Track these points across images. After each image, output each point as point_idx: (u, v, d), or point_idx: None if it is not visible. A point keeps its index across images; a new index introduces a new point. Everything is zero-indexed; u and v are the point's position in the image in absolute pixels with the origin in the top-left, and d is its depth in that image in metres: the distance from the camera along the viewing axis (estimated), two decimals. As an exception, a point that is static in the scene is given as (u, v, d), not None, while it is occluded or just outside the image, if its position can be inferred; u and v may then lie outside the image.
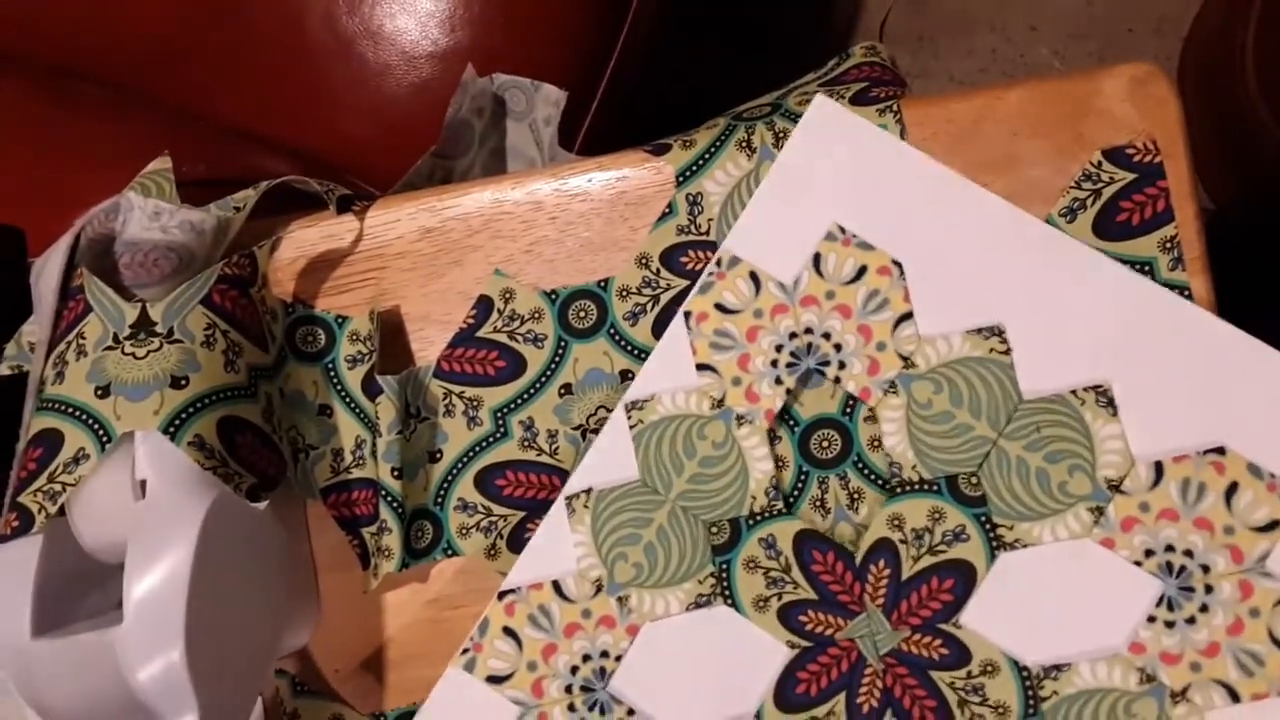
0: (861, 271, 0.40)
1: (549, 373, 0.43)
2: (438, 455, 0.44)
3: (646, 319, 0.43)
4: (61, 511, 0.37)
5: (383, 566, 0.42)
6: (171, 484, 0.36)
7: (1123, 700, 0.38)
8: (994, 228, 0.40)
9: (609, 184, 0.43)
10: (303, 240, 0.45)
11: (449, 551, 0.44)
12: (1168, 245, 0.39)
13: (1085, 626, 0.38)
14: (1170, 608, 0.38)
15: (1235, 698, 0.38)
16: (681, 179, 0.42)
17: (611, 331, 0.43)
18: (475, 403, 0.44)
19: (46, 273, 0.42)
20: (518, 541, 0.43)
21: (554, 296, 0.43)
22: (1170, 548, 0.38)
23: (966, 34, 1.05)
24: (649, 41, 0.70)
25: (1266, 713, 0.37)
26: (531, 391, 0.43)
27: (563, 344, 0.43)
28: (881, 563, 0.40)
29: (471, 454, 0.44)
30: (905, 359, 0.40)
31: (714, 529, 0.41)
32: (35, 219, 0.48)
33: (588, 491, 0.42)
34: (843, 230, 0.40)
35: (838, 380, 0.40)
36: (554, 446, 0.43)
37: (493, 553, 0.43)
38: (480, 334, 0.44)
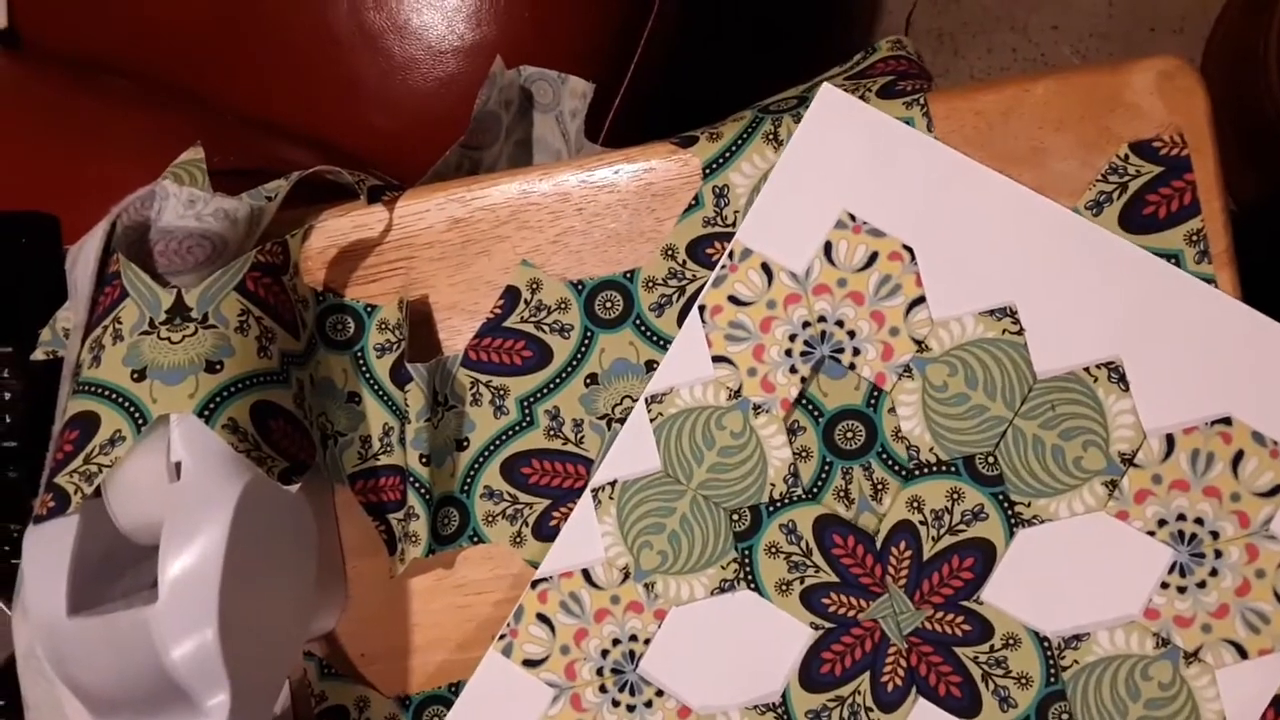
0: (873, 258, 0.41)
1: (575, 363, 0.44)
2: (465, 443, 0.44)
3: (672, 310, 0.43)
4: (97, 493, 0.38)
5: (409, 552, 0.43)
6: (206, 466, 0.37)
7: (1140, 664, 0.39)
8: (1002, 209, 0.40)
9: (636, 176, 0.44)
10: (333, 230, 0.45)
11: (475, 539, 0.44)
12: (1194, 238, 0.39)
13: (1102, 596, 0.39)
14: (1182, 574, 0.39)
15: (1244, 654, 0.39)
16: (708, 171, 0.43)
17: (637, 322, 0.43)
18: (502, 392, 0.44)
19: (82, 259, 0.43)
20: (543, 529, 0.44)
21: (580, 287, 0.44)
22: (1181, 516, 0.39)
23: (987, 33, 1.05)
24: (673, 36, 0.70)
25: (1272, 666, 0.38)
26: (558, 381, 0.44)
27: (589, 334, 0.44)
28: (902, 544, 0.41)
29: (498, 442, 0.44)
30: (919, 343, 0.40)
31: (735, 516, 0.42)
32: (67, 209, 0.48)
33: (613, 484, 0.43)
34: (853, 218, 0.41)
35: (852, 366, 0.41)
36: (579, 436, 0.44)
37: (518, 540, 0.44)
38: (507, 324, 0.44)
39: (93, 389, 0.38)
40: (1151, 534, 0.39)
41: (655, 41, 0.68)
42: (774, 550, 0.42)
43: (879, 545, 0.41)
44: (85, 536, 0.37)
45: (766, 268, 0.42)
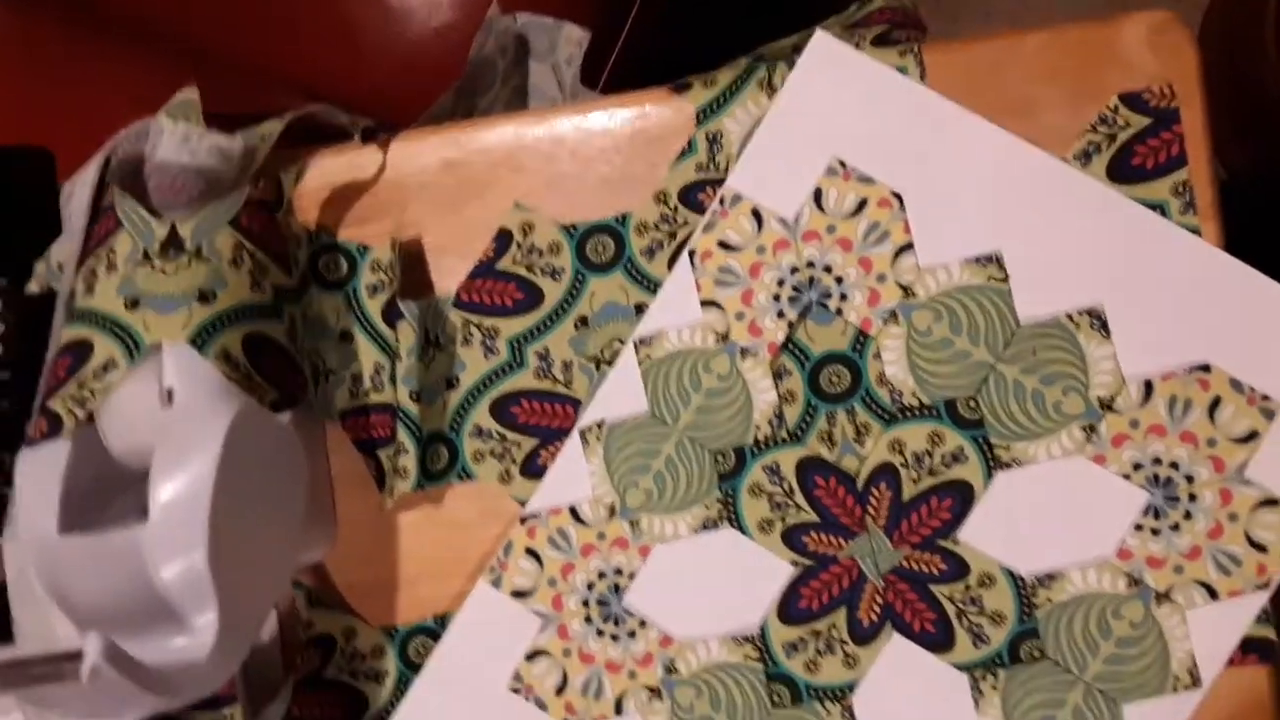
0: (862, 205, 0.41)
1: (565, 305, 0.44)
2: (455, 383, 0.45)
3: (663, 255, 0.44)
4: (90, 418, 0.38)
5: (398, 486, 0.43)
6: (198, 393, 0.37)
7: (1111, 604, 0.40)
8: (992, 157, 0.41)
9: (630, 121, 0.44)
10: (327, 170, 0.46)
11: (463, 476, 0.45)
12: (1180, 190, 0.40)
13: (1077, 537, 0.40)
14: (1156, 516, 0.40)
15: (1214, 596, 0.39)
16: (702, 117, 0.43)
17: (628, 266, 0.44)
18: (493, 333, 0.45)
19: (78, 193, 0.43)
20: (531, 467, 0.44)
21: (572, 231, 0.44)
22: (1157, 461, 0.40)
23: (986, -1, 1.05)
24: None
25: (1242, 608, 0.39)
26: (548, 323, 0.44)
27: (580, 278, 0.44)
28: (883, 485, 0.41)
29: (488, 382, 0.45)
30: (905, 289, 0.41)
31: (720, 457, 0.43)
32: (58, 150, 0.48)
33: (600, 425, 0.43)
34: (843, 164, 0.41)
35: (839, 312, 0.41)
36: (568, 377, 0.44)
37: (506, 478, 0.44)
38: (499, 266, 0.45)
39: (86, 317, 0.39)
40: (1127, 477, 0.40)
41: (653, -5, 0.68)
42: (757, 490, 0.42)
43: (860, 486, 0.42)
44: (77, 460, 0.37)
45: (757, 213, 0.42)
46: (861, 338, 0.42)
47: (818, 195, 0.42)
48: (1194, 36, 0.40)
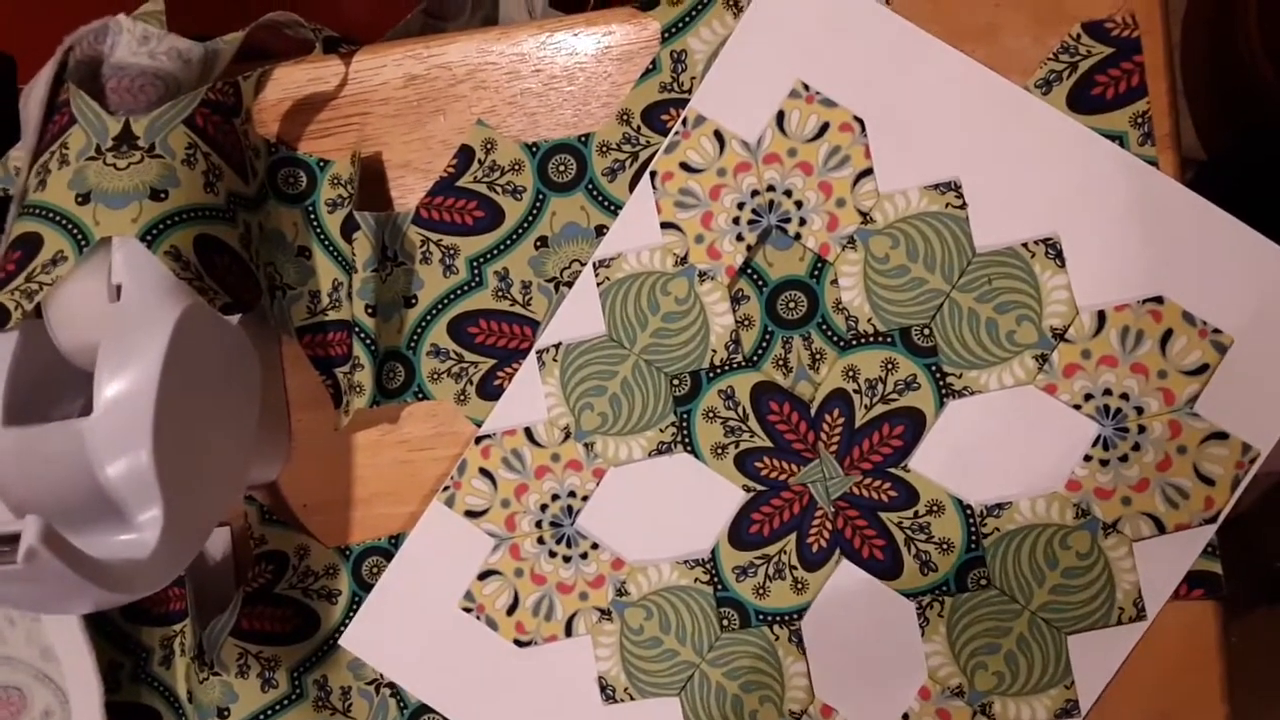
0: (824, 129, 0.41)
1: (526, 225, 0.44)
2: (413, 300, 0.45)
3: (625, 175, 0.43)
4: (38, 312, 0.38)
5: (354, 402, 0.43)
6: (146, 289, 0.37)
7: (1059, 534, 0.40)
8: (953, 84, 0.40)
9: (595, 38, 0.43)
10: (288, 82, 0.45)
11: (420, 395, 0.45)
12: (1139, 120, 0.40)
13: (1026, 467, 0.40)
14: (1105, 447, 0.40)
15: (1161, 529, 0.39)
16: (667, 35, 0.43)
17: (590, 187, 0.44)
18: (452, 251, 0.44)
19: (34, 92, 0.42)
20: (487, 388, 0.44)
21: (535, 149, 0.44)
22: (1108, 392, 0.40)
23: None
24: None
25: (1189, 541, 0.39)
26: (508, 243, 0.44)
27: (541, 197, 0.44)
28: (836, 412, 0.41)
29: (446, 301, 0.44)
30: (864, 215, 0.41)
31: (676, 381, 0.43)
32: (19, 55, 0.48)
33: (557, 346, 0.43)
34: (806, 87, 0.41)
35: (798, 237, 0.41)
36: (527, 298, 0.44)
37: (462, 398, 0.44)
38: (460, 183, 0.44)
39: (37, 211, 0.38)
40: (1078, 408, 0.40)
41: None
42: (711, 415, 0.42)
43: (813, 412, 0.42)
44: (24, 352, 0.37)
45: (719, 135, 0.42)
46: (819, 263, 0.42)
47: (780, 118, 0.42)
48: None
